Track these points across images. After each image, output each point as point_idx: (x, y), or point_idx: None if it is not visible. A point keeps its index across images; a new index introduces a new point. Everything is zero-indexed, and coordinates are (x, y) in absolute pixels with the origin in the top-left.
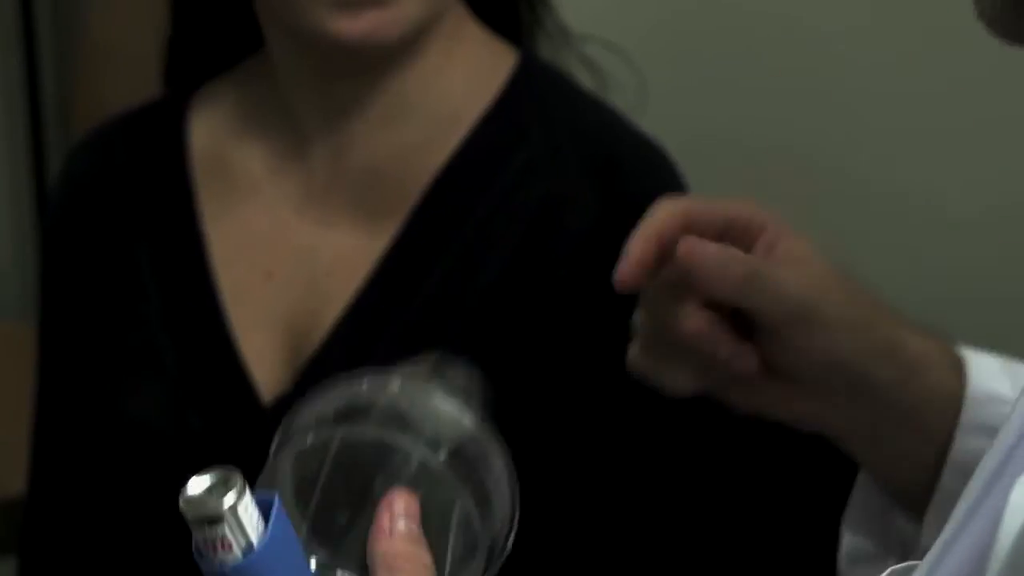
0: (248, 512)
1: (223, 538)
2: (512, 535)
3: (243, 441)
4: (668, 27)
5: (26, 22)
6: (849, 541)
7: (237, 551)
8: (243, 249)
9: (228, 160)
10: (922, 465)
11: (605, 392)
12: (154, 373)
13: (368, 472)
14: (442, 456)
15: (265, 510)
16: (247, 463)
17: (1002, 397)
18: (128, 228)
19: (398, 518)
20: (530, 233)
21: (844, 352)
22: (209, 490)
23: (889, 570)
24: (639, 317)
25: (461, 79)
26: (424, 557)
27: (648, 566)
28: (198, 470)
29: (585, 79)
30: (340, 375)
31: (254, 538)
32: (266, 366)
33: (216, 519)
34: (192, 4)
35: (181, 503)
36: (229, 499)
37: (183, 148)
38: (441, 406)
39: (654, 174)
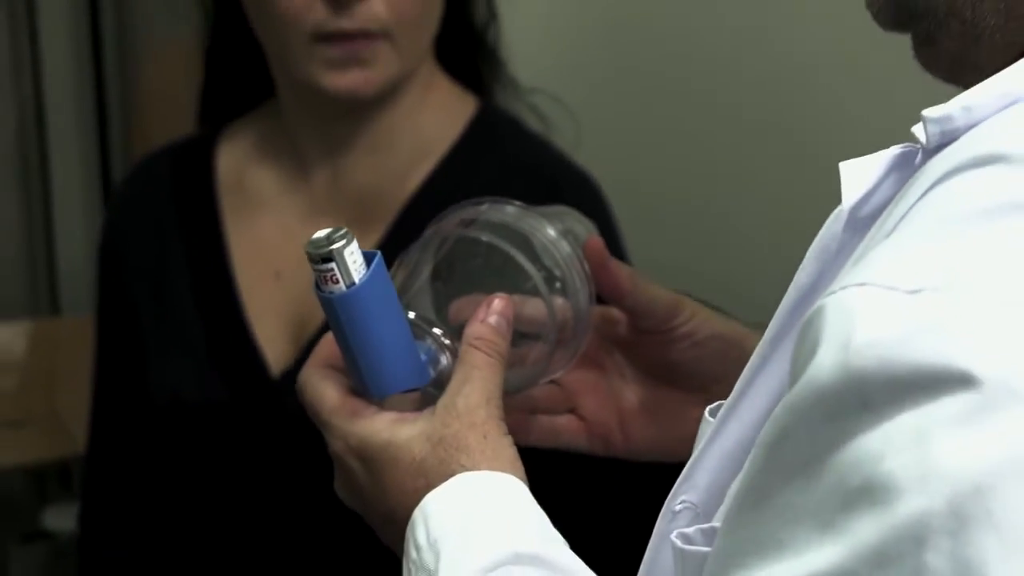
0: (352, 258)
1: (332, 274)
2: (586, 340)
3: (256, 407)
4: (600, 81)
5: (97, 79)
6: None
7: (342, 285)
8: (257, 253)
9: (247, 183)
10: None
11: None
12: (185, 352)
13: (475, 266)
14: (537, 265)
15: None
16: (260, 425)
17: None
18: (166, 234)
19: (492, 313)
20: None
21: (719, 326)
22: (327, 236)
23: (708, 408)
24: None
25: (433, 119)
26: (502, 345)
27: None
28: (220, 431)
29: (532, 122)
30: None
31: (355, 278)
32: (275, 347)
33: (328, 258)
34: (220, 61)
35: (306, 244)
36: (338, 244)
37: (212, 173)
38: (542, 228)
39: (587, 201)
